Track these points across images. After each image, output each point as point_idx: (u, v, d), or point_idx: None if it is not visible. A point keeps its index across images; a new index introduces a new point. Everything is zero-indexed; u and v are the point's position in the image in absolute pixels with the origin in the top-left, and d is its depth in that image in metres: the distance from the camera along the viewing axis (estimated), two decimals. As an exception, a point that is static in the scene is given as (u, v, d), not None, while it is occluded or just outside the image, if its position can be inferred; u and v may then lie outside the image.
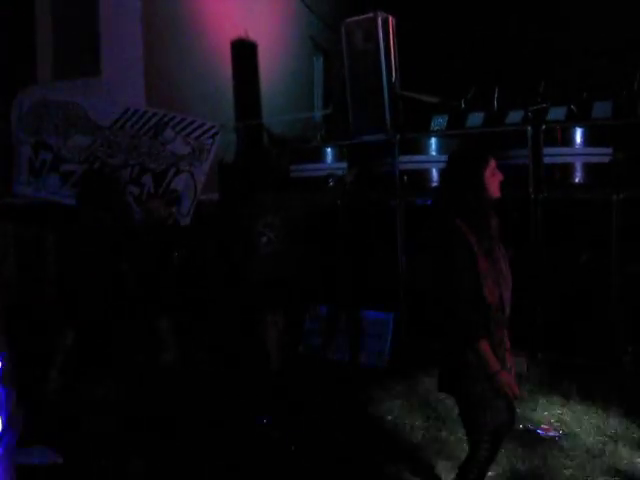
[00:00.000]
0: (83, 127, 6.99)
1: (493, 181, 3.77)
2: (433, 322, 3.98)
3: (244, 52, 9.34)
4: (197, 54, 8.81)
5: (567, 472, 4.78)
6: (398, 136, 7.40)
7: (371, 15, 7.52)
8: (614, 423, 5.49)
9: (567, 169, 6.68)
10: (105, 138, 7.03)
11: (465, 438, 4.16)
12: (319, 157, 8.10)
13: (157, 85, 8.21)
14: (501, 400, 3.75)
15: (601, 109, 6.76)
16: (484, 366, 3.61)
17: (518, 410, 4.47)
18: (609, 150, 6.53)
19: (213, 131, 7.26)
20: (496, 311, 3.71)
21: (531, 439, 5.30)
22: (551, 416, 5.66)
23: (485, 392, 3.71)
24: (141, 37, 8.11)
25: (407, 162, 7.37)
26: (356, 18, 7.66)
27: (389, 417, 5.86)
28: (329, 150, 8.05)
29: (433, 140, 7.35)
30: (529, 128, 6.73)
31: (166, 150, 7.13)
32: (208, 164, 7.29)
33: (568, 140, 6.67)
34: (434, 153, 7.31)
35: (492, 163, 3.81)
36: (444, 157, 7.08)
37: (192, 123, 7.26)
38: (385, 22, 7.50)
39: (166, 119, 7.12)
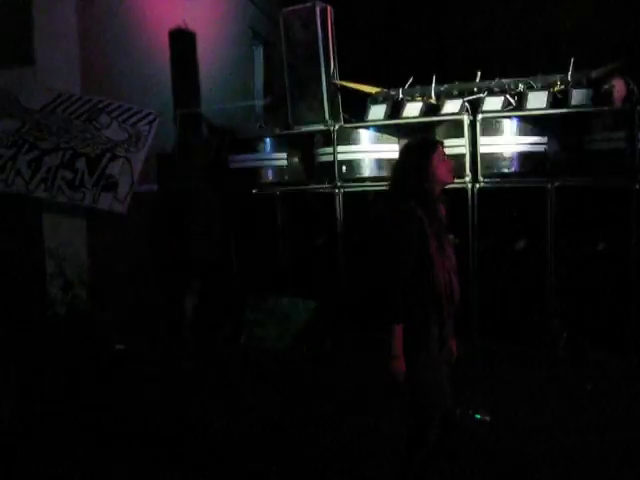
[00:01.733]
0: (12, 111, 6.78)
1: (442, 167, 3.92)
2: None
3: (183, 42, 9.21)
4: (135, 43, 8.65)
5: (502, 456, 4.86)
6: (336, 126, 7.42)
7: (309, 5, 7.54)
8: (549, 407, 5.61)
9: (502, 158, 6.76)
10: (35, 121, 6.81)
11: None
12: (258, 147, 8.07)
13: (93, 74, 8.00)
14: (446, 384, 3.94)
15: (536, 99, 6.86)
16: (391, 347, 3.76)
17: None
18: (544, 139, 6.69)
19: (150, 118, 7.12)
20: (445, 296, 3.84)
21: (468, 424, 5.38)
22: (487, 401, 5.74)
23: (436, 375, 3.87)
24: (76, 25, 7.89)
25: (345, 152, 7.39)
26: (294, 7, 7.68)
27: (324, 403, 5.87)
28: (268, 140, 8.02)
29: (371, 130, 7.38)
30: (465, 117, 6.80)
31: (101, 135, 6.91)
32: (145, 151, 7.12)
33: (504, 129, 6.75)
34: (372, 143, 7.34)
35: (440, 149, 3.98)
36: (382, 147, 7.17)
37: (129, 110, 7.12)
38: (323, 12, 7.52)
39: (101, 105, 6.96)
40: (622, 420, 5.31)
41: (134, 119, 7.07)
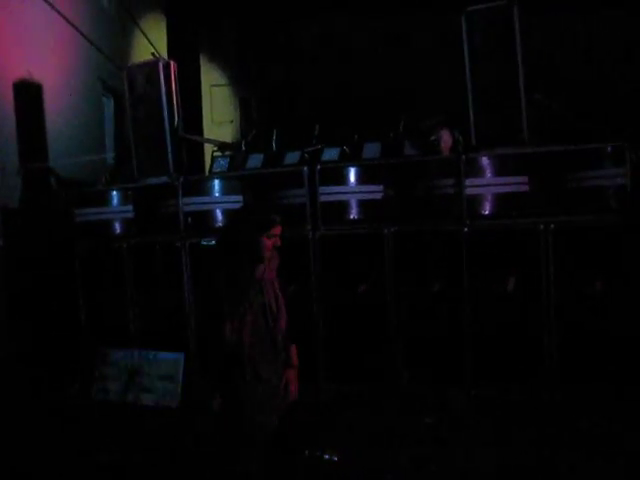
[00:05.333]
0: None
1: (267, 244, 4.20)
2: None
3: (28, 92, 9.09)
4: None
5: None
6: (181, 178, 7.51)
7: (153, 60, 7.66)
8: (392, 444, 5.83)
9: (342, 206, 7.00)
10: None
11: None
12: (104, 201, 8.01)
13: None
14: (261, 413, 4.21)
15: (371, 150, 7.23)
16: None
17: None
18: (380, 187, 6.97)
19: None
20: (252, 347, 4.15)
21: (316, 464, 5.55)
22: (335, 442, 5.90)
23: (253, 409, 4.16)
24: None
25: (190, 203, 7.47)
26: (138, 63, 7.81)
27: (185, 454, 5.89)
28: (114, 193, 7.99)
29: (215, 181, 7.48)
30: (305, 168, 7.01)
31: None
32: None
33: (342, 179, 7.00)
34: (217, 194, 7.43)
35: (273, 230, 4.20)
36: (226, 197, 7.32)
37: None
38: (166, 67, 7.66)
39: None
40: (462, 450, 5.61)
41: None
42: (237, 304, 4.09)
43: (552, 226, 6.18)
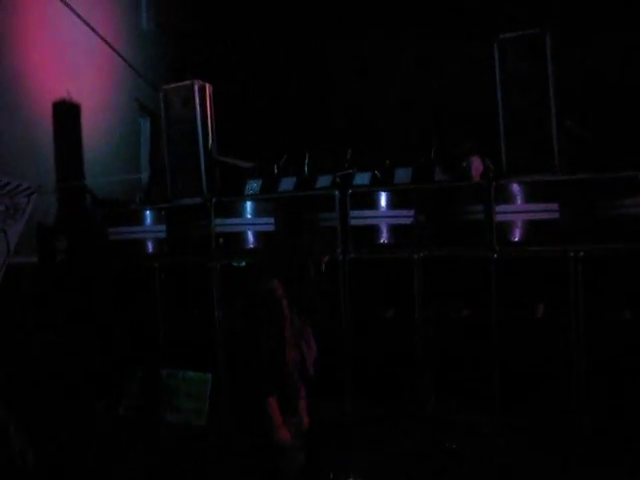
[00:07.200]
0: None
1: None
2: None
3: (67, 113, 9.26)
4: (17, 114, 8.63)
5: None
6: (214, 200, 7.61)
7: (188, 82, 7.79)
8: (418, 469, 5.81)
9: (373, 230, 7.06)
10: None
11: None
12: (137, 220, 8.16)
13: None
14: (295, 450, 4.10)
15: (402, 175, 7.26)
16: (267, 420, 3.92)
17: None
18: (410, 212, 6.98)
19: (29, 191, 7.14)
20: (293, 371, 4.07)
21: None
22: (356, 463, 5.91)
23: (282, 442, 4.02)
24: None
25: (222, 224, 7.57)
26: (174, 85, 7.91)
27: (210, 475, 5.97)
28: (148, 213, 8.14)
29: (248, 204, 7.58)
30: (337, 192, 7.09)
31: None
32: (22, 223, 7.11)
33: (373, 203, 7.06)
34: (249, 216, 7.54)
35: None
36: (258, 219, 7.40)
37: (7, 185, 7.13)
38: (202, 89, 7.80)
39: None
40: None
41: (12, 192, 7.08)
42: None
43: (581, 254, 6.18)
